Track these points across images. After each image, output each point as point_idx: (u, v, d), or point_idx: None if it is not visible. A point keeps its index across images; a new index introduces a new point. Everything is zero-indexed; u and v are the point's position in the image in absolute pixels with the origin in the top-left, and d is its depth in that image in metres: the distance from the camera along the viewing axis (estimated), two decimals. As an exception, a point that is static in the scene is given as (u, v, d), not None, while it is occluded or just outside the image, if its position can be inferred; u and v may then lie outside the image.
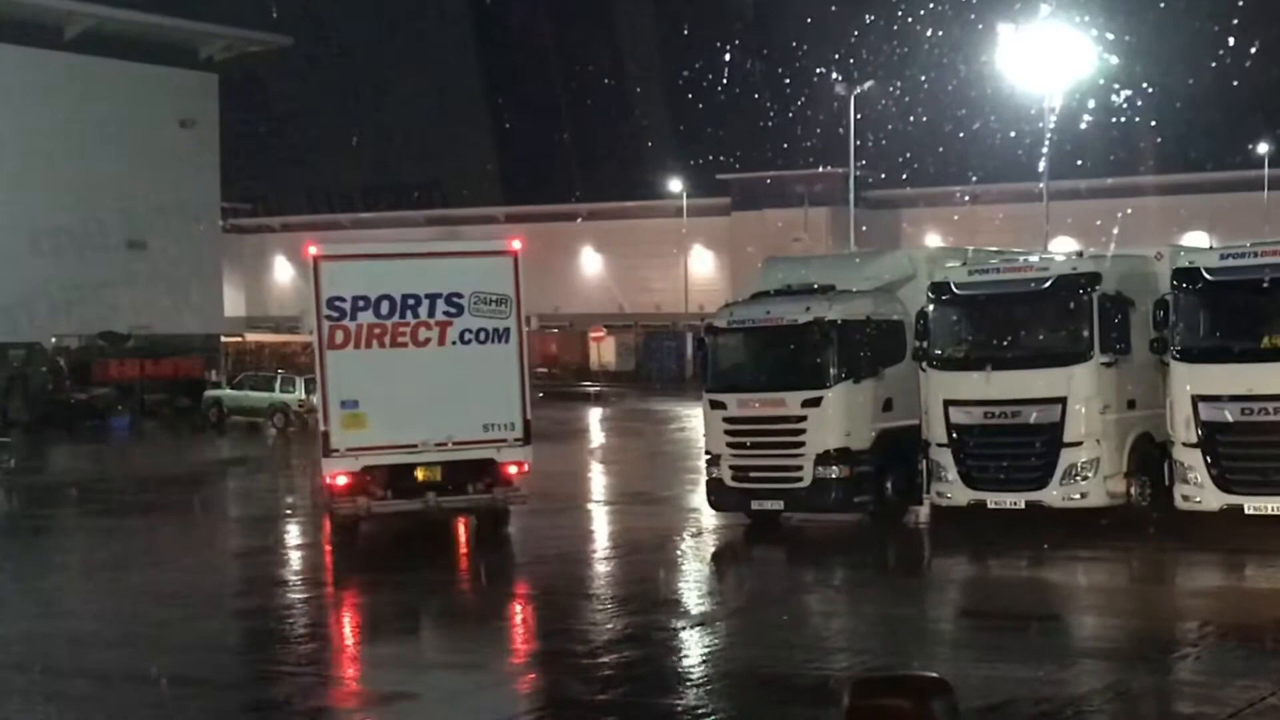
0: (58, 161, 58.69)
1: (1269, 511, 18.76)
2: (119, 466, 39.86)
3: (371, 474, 21.15)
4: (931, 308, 21.10)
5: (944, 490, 20.88)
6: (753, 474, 21.77)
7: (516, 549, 22.24)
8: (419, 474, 21.25)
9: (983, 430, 20.68)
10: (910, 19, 53.41)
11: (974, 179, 75.28)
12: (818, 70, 67.27)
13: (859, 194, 67.51)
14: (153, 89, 63.16)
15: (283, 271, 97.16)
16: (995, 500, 20.53)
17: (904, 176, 79.92)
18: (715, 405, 22.20)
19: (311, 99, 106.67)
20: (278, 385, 48.17)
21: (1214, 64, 55.60)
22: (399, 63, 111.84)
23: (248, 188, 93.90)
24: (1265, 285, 19.04)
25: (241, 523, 27.89)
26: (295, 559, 22.85)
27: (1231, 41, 51.79)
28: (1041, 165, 50.87)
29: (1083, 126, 52.70)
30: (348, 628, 17.36)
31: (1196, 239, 42.17)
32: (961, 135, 68.14)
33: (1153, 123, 63.56)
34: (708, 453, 22.50)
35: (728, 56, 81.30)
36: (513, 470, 21.56)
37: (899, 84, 62.75)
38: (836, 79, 59.53)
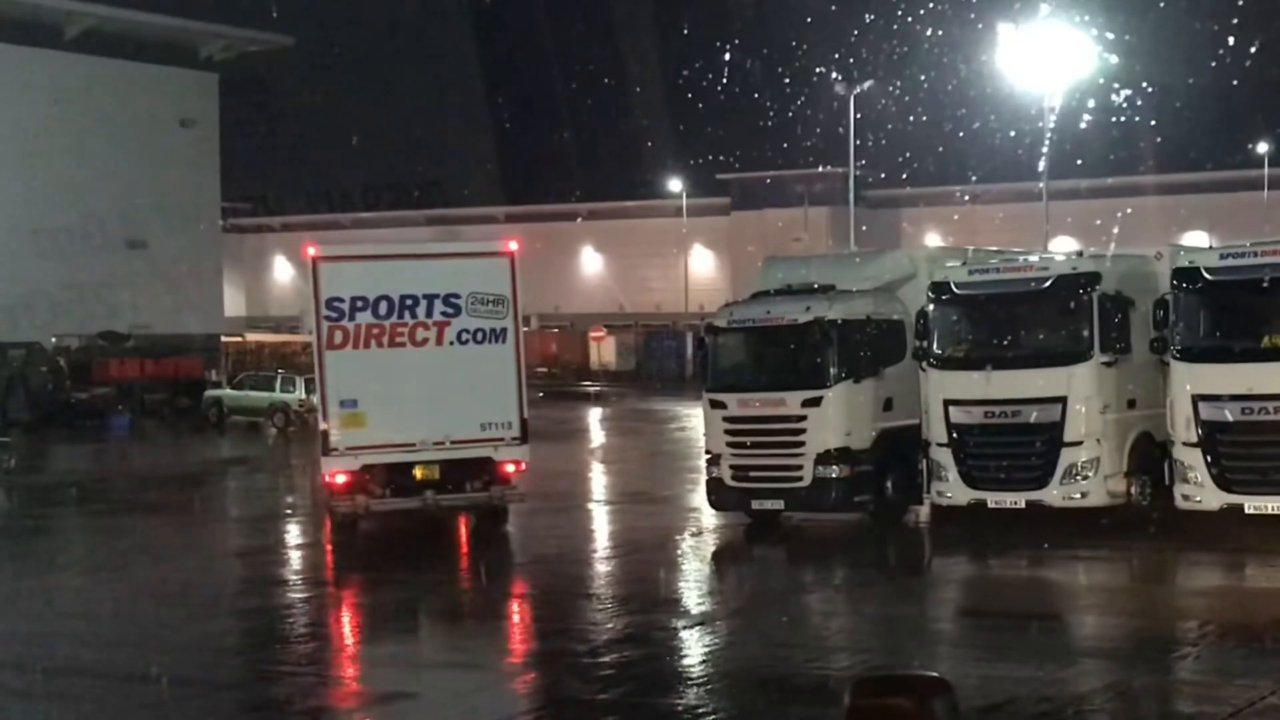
0: (58, 161, 58.72)
1: (1269, 511, 18.75)
2: (119, 466, 39.90)
3: (370, 472, 21.38)
4: (932, 307, 21.09)
5: (944, 490, 20.88)
6: (753, 473, 21.77)
7: (517, 548, 22.26)
8: (417, 472, 21.48)
9: (983, 430, 20.68)
10: (910, 18, 53.43)
11: (974, 178, 75.30)
12: (818, 70, 67.30)
13: (859, 194, 67.52)
14: (153, 89, 63.19)
15: (283, 271, 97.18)
16: (995, 500, 20.53)
17: (904, 176, 80.00)
18: (715, 405, 22.20)
19: (311, 99, 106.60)
20: (278, 385, 48.17)
21: (1214, 64, 55.61)
22: (399, 63, 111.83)
23: (248, 188, 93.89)
24: (1265, 285, 19.03)
25: (241, 522, 27.89)
26: (295, 558, 22.85)
27: (1231, 41, 51.79)
28: (1041, 165, 50.89)
29: (1083, 126, 52.73)
30: (348, 627, 17.36)
31: (1196, 238, 42.15)
32: (961, 135, 68.19)
33: (1152, 122, 63.59)
34: (708, 452, 22.50)
35: (728, 56, 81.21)
36: (510, 469, 21.81)
37: (899, 83, 62.78)
38: (836, 79, 59.58)
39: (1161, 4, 57.20)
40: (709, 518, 23.16)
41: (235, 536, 25.50)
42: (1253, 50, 53.07)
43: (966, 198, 79.99)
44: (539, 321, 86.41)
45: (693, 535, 22.77)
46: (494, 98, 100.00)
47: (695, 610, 17.17)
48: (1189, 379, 19.36)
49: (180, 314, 60.28)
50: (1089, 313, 20.08)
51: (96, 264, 58.21)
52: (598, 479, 33.81)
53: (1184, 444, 19.33)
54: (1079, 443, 20.02)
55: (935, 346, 21.02)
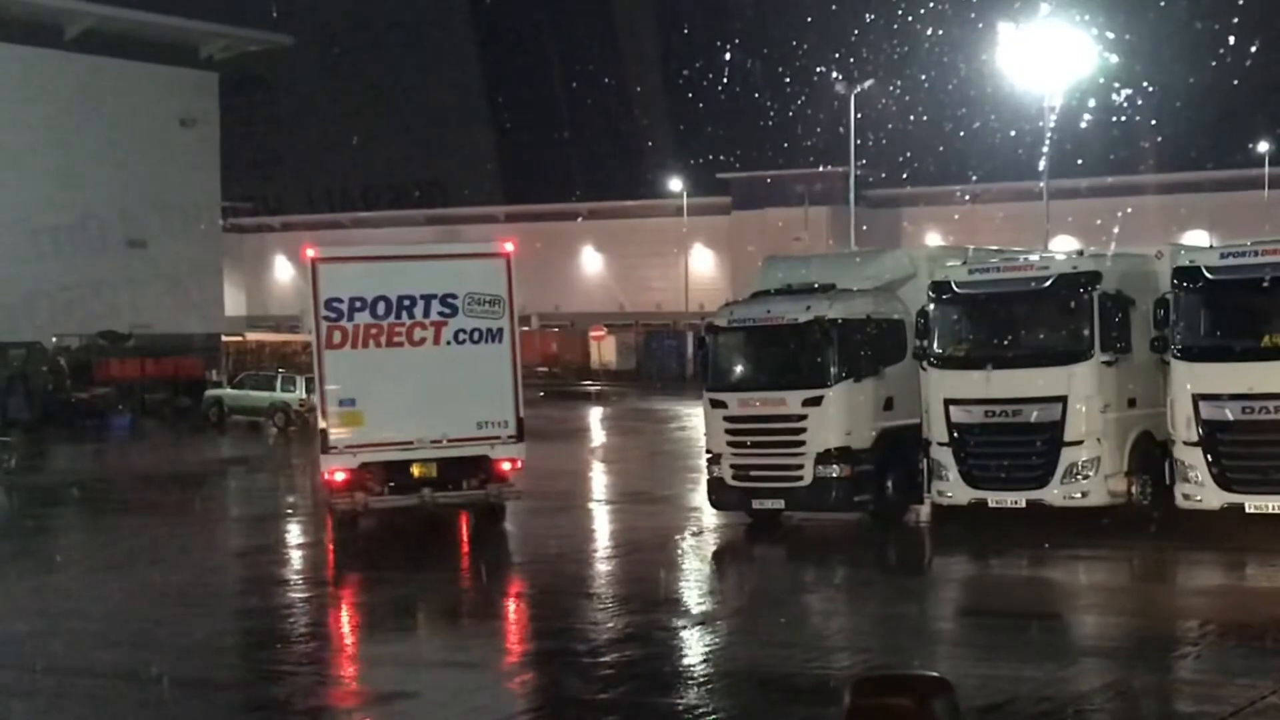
0: (58, 161, 58.73)
1: (1270, 510, 18.75)
2: (119, 466, 39.88)
3: (369, 470, 21.63)
4: (932, 307, 21.09)
5: (945, 489, 20.88)
6: (753, 473, 21.77)
7: (517, 548, 22.28)
8: (415, 470, 21.76)
9: (983, 429, 20.68)
10: (910, 18, 53.53)
11: (974, 178, 75.35)
12: (818, 69, 67.38)
13: (859, 193, 67.49)
14: (153, 88, 63.20)
15: (283, 271, 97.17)
16: (996, 499, 20.53)
17: (904, 176, 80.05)
18: (716, 404, 22.20)
19: (311, 99, 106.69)
20: (278, 384, 48.17)
21: (1214, 63, 55.69)
22: (399, 63, 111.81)
23: (248, 187, 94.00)
24: (1265, 284, 19.03)
25: (242, 521, 27.89)
26: (295, 557, 22.85)
27: (1231, 41, 51.85)
28: (1042, 164, 50.85)
29: (1083, 125, 52.76)
30: (348, 626, 17.35)
31: (1197, 238, 42.11)
32: (962, 134, 68.25)
33: (1153, 122, 63.67)
34: (708, 452, 22.51)
35: (728, 56, 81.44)
36: (506, 466, 22.06)
37: (899, 83, 62.86)
38: (837, 78, 59.59)
39: (1162, 4, 57.25)
40: (709, 517, 23.16)
41: (236, 536, 25.51)
42: (1253, 50, 53.14)
43: (967, 197, 80.00)
44: (539, 321, 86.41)
45: (693, 535, 22.77)
46: (494, 98, 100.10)
47: (696, 610, 17.17)
48: (1189, 378, 19.36)
49: (180, 314, 60.28)
50: (1089, 312, 20.07)
51: (97, 264, 58.23)
52: (598, 478, 33.81)
53: (1185, 443, 19.32)
54: (1079, 442, 20.01)
55: (936, 346, 21.01)
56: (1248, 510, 18.86)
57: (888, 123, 67.59)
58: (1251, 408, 18.94)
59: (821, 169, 78.39)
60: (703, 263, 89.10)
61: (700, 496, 23.88)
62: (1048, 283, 20.64)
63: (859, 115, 59.04)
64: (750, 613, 16.96)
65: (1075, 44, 44.37)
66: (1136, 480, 20.33)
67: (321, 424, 21.72)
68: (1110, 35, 46.00)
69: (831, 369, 21.22)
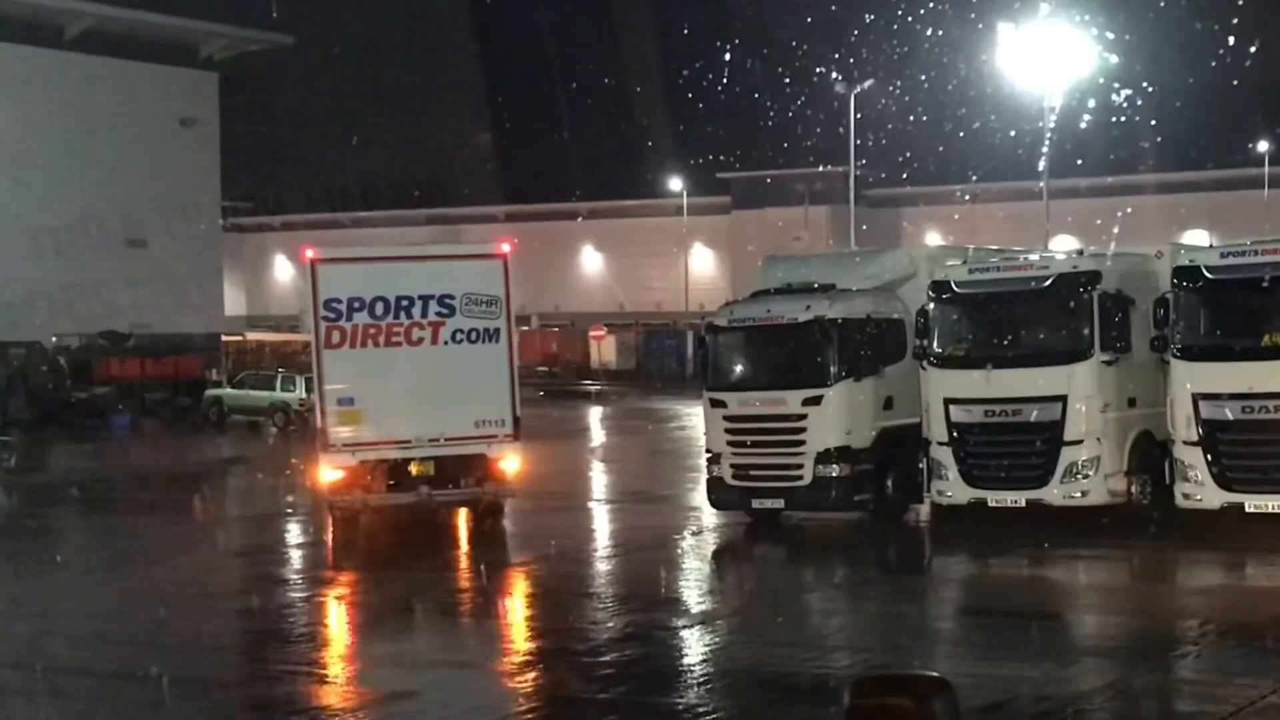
0: (58, 160, 58.73)
1: (1269, 510, 18.74)
2: (119, 465, 39.89)
3: (367, 468, 21.77)
4: (932, 306, 21.08)
5: (944, 489, 20.88)
6: (753, 472, 21.77)
7: (517, 547, 22.30)
8: (413, 468, 21.94)
9: (983, 429, 20.68)
10: (910, 18, 53.49)
11: (974, 178, 75.31)
12: (818, 69, 67.37)
13: (859, 193, 67.51)
14: (153, 88, 63.20)
15: (283, 270, 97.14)
16: (996, 499, 20.53)
17: (904, 175, 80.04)
18: (716, 404, 22.21)
19: (311, 99, 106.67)
20: (278, 384, 48.18)
21: (1214, 63, 55.64)
22: (399, 63, 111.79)
23: (248, 187, 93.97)
24: (1265, 283, 19.03)
25: (242, 521, 27.88)
26: (295, 557, 22.87)
27: (1231, 41, 51.82)
28: (1042, 164, 50.83)
29: (1083, 125, 52.73)
30: (348, 626, 17.35)
31: (1197, 237, 42.12)
32: (962, 134, 68.21)
33: (1153, 121, 63.64)
34: (708, 451, 22.51)
35: (728, 56, 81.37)
36: (503, 465, 22.19)
37: (899, 83, 62.83)
38: (836, 78, 59.60)
39: (1162, 4, 57.22)
40: (709, 517, 23.16)
41: (235, 535, 25.49)
42: (1252, 50, 53.11)
43: (967, 197, 79.99)
44: (539, 320, 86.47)
45: (693, 534, 22.78)
46: (494, 98, 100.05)
47: (695, 609, 17.17)
48: (1189, 378, 19.35)
49: (180, 313, 60.27)
50: (1089, 311, 20.07)
51: (97, 263, 58.23)
52: (598, 478, 33.82)
53: (1184, 443, 19.32)
54: (1079, 441, 20.01)
55: (936, 345, 21.01)
56: (1248, 510, 18.86)
57: (887, 123, 67.61)
58: (1251, 407, 18.94)
59: (821, 169, 78.39)
60: (702, 262, 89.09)
61: (700, 496, 23.88)
62: (1048, 282, 20.64)
63: (859, 115, 59.07)
64: (750, 612, 16.96)
65: (1075, 44, 44.37)
66: (1136, 480, 20.33)
67: (320, 423, 21.87)
68: (1110, 35, 46.00)
69: (831, 368, 21.22)
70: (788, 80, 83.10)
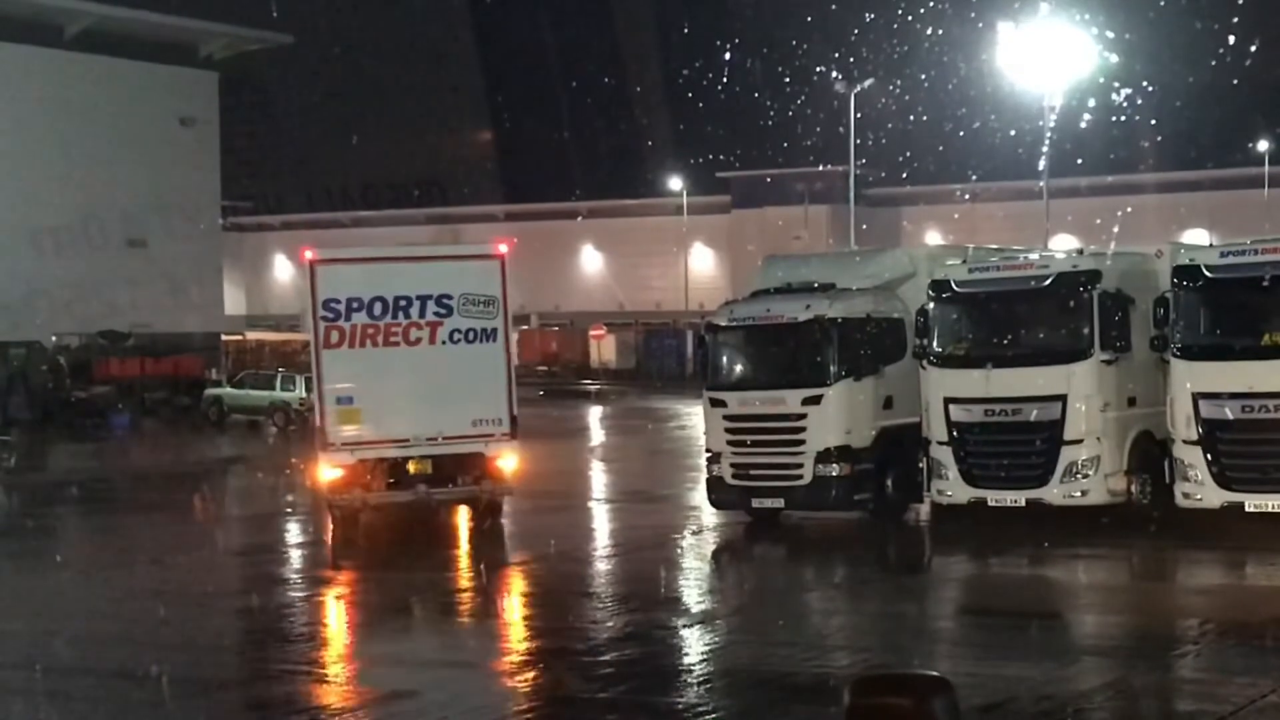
0: (58, 160, 58.70)
1: (1269, 509, 18.74)
2: (119, 465, 39.89)
3: (366, 467, 21.88)
4: (932, 306, 21.08)
5: (944, 488, 20.87)
6: (753, 472, 21.77)
7: (517, 546, 22.31)
8: (411, 467, 22.05)
9: (983, 428, 20.67)
10: (910, 17, 53.51)
11: (974, 177, 75.32)
12: (818, 68, 67.37)
13: (859, 192, 67.52)
14: (153, 87, 63.18)
15: (283, 270, 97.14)
16: (996, 498, 20.52)
17: (904, 174, 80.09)
18: (716, 403, 22.21)
19: (312, 99, 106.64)
20: (278, 384, 48.18)
21: (1214, 62, 55.66)
22: (399, 62, 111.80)
23: (248, 186, 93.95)
24: (1265, 283, 19.02)
25: (241, 520, 27.89)
26: (295, 556, 22.88)
27: (1231, 40, 51.84)
28: (1041, 163, 50.87)
29: (1083, 124, 52.74)
30: (348, 626, 17.35)
31: (1196, 236, 42.11)
32: (961, 133, 68.23)
33: (1153, 121, 63.64)
34: (708, 450, 22.51)
35: (728, 56, 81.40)
36: (501, 463, 22.31)
37: (899, 82, 62.87)
38: (836, 77, 59.62)
39: (1162, 3, 57.23)
40: (709, 516, 23.16)
41: (235, 534, 25.50)
42: (1252, 49, 53.13)
43: (967, 196, 80.00)
44: (539, 320, 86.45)
45: (693, 534, 22.78)
46: (494, 97, 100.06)
47: (695, 609, 17.17)
48: (1189, 377, 19.35)
49: (180, 313, 60.28)
50: (1089, 311, 20.07)
51: (97, 263, 58.20)
52: (598, 477, 33.82)
53: (1184, 442, 19.32)
54: (1079, 441, 20.01)
55: (935, 345, 21.01)
56: (1247, 509, 18.86)
57: (887, 122, 67.65)
58: (1251, 406, 18.94)
59: (821, 168, 78.40)
60: (702, 262, 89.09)
61: (700, 495, 23.88)
62: (1048, 282, 20.64)
63: (859, 114, 59.09)
64: (750, 612, 16.96)
65: (1075, 43, 44.38)
66: (1136, 479, 20.33)
67: (319, 422, 22.00)
68: (1110, 34, 46.01)
69: (831, 368, 21.22)
70: (788, 79, 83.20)
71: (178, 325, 58.85)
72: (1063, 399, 20.07)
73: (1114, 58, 46.63)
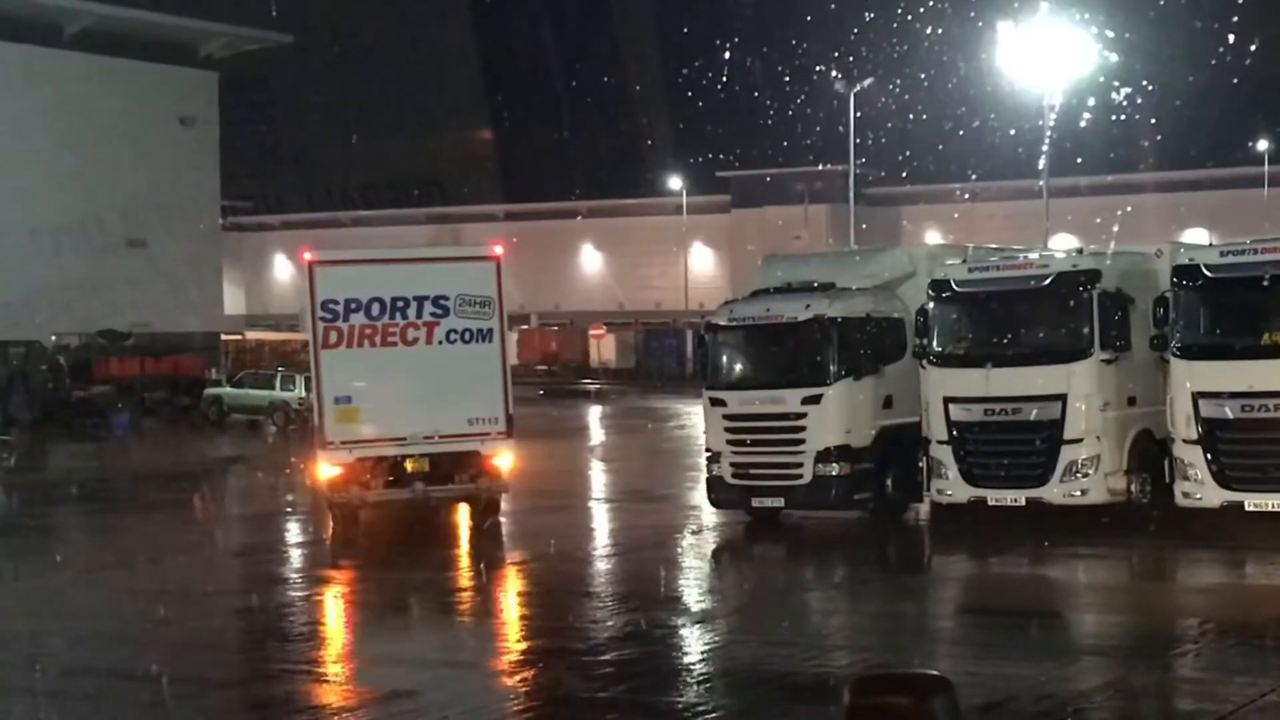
0: (57, 160, 58.68)
1: (1269, 508, 18.74)
2: (119, 464, 39.88)
3: (364, 465, 22.03)
4: (932, 305, 21.08)
5: (944, 487, 20.87)
6: (753, 471, 21.77)
7: (516, 546, 22.30)
8: (408, 465, 22.22)
9: (983, 427, 20.67)
10: (910, 17, 53.52)
11: (974, 176, 75.32)
12: (817, 68, 67.37)
13: (859, 191, 67.52)
14: (153, 87, 63.15)
15: (283, 269, 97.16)
16: (996, 497, 20.52)
17: (904, 174, 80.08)
18: (716, 403, 22.21)
19: (311, 99, 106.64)
20: (278, 383, 48.19)
21: (1213, 62, 55.67)
22: (399, 62, 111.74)
23: (247, 186, 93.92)
24: (1265, 282, 19.01)
25: (241, 519, 27.90)
26: (294, 555, 22.90)
27: (1231, 40, 51.86)
28: (1041, 163, 50.85)
29: (1082, 124, 52.73)
30: (347, 625, 17.35)
31: (1196, 236, 42.12)
32: (961, 133, 68.20)
33: (1152, 120, 63.64)
34: (708, 450, 22.51)
35: (728, 55, 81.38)
36: (496, 462, 22.48)
37: (899, 81, 62.88)
38: (836, 76, 59.64)
39: (1162, 3, 57.24)
40: (709, 515, 23.17)
41: (235, 533, 25.50)
42: (1252, 49, 53.14)
43: (966, 195, 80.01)
44: (539, 319, 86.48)
45: (693, 533, 22.78)
46: (494, 97, 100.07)
47: (695, 608, 17.17)
48: (1189, 376, 19.35)
49: (180, 312, 60.27)
50: (1089, 310, 20.07)
51: (96, 262, 58.22)
52: (598, 477, 33.82)
53: (1184, 441, 19.32)
54: (1079, 440, 20.01)
55: (935, 344, 21.01)
56: (1247, 508, 18.86)
57: (887, 121, 67.67)
58: (1251, 406, 18.94)
59: (821, 167, 78.39)
60: (702, 261, 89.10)
61: (700, 495, 23.88)
62: (1047, 281, 20.63)
63: (858, 114, 59.09)
64: (750, 611, 16.96)
65: (1075, 42, 44.38)
66: (1136, 478, 20.32)
67: (317, 421, 22.17)
68: (1110, 34, 46.01)
69: (831, 367, 21.23)
70: (787, 79, 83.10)
71: (177, 325, 58.84)
72: (1062, 398, 20.07)
73: (1114, 57, 46.67)
